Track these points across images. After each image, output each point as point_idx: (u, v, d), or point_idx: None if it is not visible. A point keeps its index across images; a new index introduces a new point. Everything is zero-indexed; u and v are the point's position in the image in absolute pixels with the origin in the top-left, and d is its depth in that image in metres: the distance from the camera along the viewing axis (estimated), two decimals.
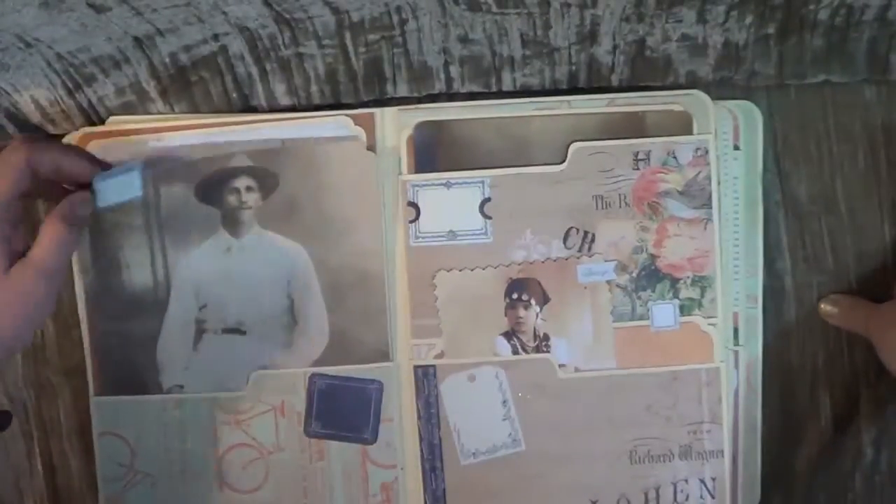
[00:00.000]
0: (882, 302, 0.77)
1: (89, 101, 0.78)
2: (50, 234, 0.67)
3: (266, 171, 0.79)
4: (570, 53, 0.78)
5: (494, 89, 0.80)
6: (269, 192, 0.79)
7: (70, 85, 0.76)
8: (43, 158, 0.68)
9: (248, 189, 0.79)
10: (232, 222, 0.79)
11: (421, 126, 0.78)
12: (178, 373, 0.80)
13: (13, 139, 0.71)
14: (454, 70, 0.79)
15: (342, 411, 0.79)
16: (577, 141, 0.78)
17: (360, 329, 0.79)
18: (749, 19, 0.75)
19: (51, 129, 0.79)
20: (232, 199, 0.79)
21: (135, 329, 0.79)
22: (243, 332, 0.79)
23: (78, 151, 0.73)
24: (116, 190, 0.71)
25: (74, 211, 0.69)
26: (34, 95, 0.76)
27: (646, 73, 0.79)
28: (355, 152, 0.78)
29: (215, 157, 0.79)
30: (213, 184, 0.79)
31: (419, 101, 0.80)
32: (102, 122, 0.79)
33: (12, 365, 0.82)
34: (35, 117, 0.78)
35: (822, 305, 0.81)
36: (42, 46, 0.71)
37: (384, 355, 0.79)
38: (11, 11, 0.66)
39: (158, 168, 0.78)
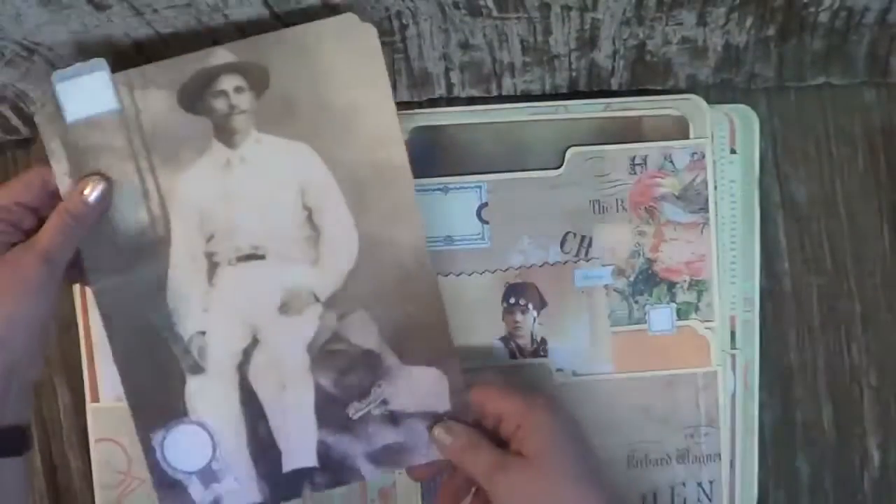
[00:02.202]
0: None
1: None
2: (54, 222, 0.66)
3: (253, 64, 0.69)
4: (570, 60, 0.78)
5: (495, 94, 0.80)
6: (261, 89, 0.69)
7: None
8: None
9: (238, 90, 0.69)
10: (225, 131, 0.70)
11: (418, 131, 0.78)
12: (198, 317, 0.71)
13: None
14: (455, 76, 0.79)
15: None
16: (574, 146, 0.78)
17: (392, 229, 0.71)
18: (749, 21, 0.74)
19: None
20: (220, 104, 0.69)
21: (137, 277, 0.70)
22: (262, 257, 0.71)
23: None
24: (86, 96, 0.66)
25: (83, 202, 0.67)
26: (39, 95, 0.77)
27: (646, 77, 0.79)
28: (351, 27, 0.69)
29: (194, 55, 0.69)
30: (196, 88, 0.69)
31: (419, 105, 0.80)
32: None
33: None
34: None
35: (436, 431, 0.71)
36: (43, 49, 0.72)
37: (421, 252, 0.71)
38: (12, 13, 0.67)
39: (129, 71, 0.68)
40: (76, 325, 0.79)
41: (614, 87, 0.80)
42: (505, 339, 0.79)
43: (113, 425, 0.79)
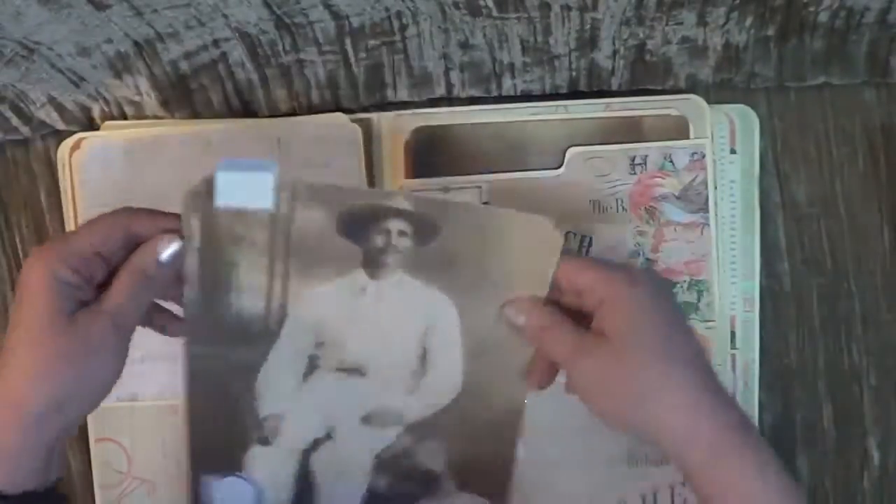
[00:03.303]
0: None
1: (91, 105, 0.78)
2: (125, 282, 0.61)
3: (427, 218, 0.66)
4: (570, 60, 0.78)
5: (495, 94, 0.80)
6: (426, 241, 0.66)
7: (73, 87, 0.77)
8: (142, 224, 0.63)
9: (401, 233, 0.67)
10: (374, 264, 0.67)
11: (418, 131, 0.78)
12: (281, 401, 0.69)
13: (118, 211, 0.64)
14: (455, 76, 0.79)
15: None
16: (574, 146, 0.78)
17: (497, 382, 0.69)
18: (749, 21, 0.75)
19: (60, 126, 0.80)
20: (379, 240, 0.67)
21: (234, 356, 0.68)
22: (363, 374, 0.69)
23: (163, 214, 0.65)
24: (243, 190, 0.63)
25: (155, 261, 0.62)
26: (38, 95, 0.77)
27: (646, 77, 0.79)
28: (543, 231, 0.65)
29: (371, 191, 0.71)
30: (360, 218, 0.66)
31: (419, 105, 0.80)
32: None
33: None
34: (41, 114, 0.79)
35: (506, 310, 0.66)
36: (43, 49, 0.72)
37: (517, 414, 0.69)
38: (12, 11, 0.67)
39: (298, 181, 0.65)
40: None
41: (614, 87, 0.80)
42: None
43: (113, 425, 0.79)
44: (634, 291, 0.61)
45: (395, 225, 0.66)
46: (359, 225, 0.66)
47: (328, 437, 0.70)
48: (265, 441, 0.69)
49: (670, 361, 0.60)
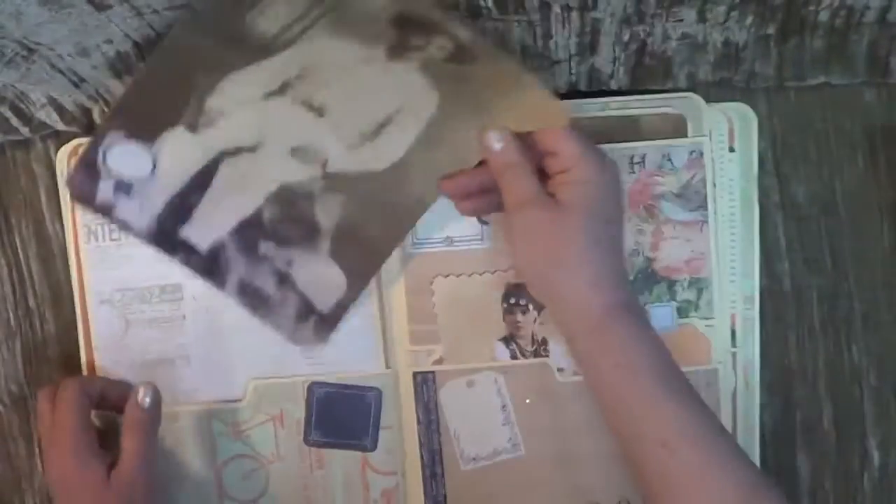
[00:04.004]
0: None
1: (91, 106, 0.79)
2: (128, 447, 0.72)
3: (468, 50, 0.74)
4: (570, 65, 0.78)
5: None
6: (456, 60, 0.74)
7: (73, 87, 0.77)
8: (93, 388, 0.75)
9: (440, 48, 0.74)
10: (396, 55, 0.74)
11: None
12: (232, 102, 0.75)
13: (63, 381, 0.75)
14: None
15: (342, 420, 0.79)
16: None
17: (421, 176, 0.75)
18: (749, 19, 0.75)
19: (60, 127, 0.80)
20: (419, 41, 0.74)
21: (224, 55, 0.75)
22: (321, 115, 0.75)
23: (118, 382, 0.78)
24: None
25: (139, 415, 0.74)
26: (39, 96, 0.77)
27: (645, 80, 0.79)
28: (553, 109, 0.72)
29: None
30: (411, 23, 0.75)
31: None
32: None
33: (12, 363, 0.82)
34: (41, 115, 0.79)
35: (490, 133, 0.70)
36: (43, 49, 0.72)
37: (422, 207, 0.76)
38: (12, 11, 0.67)
39: None
40: (76, 330, 0.79)
41: (614, 87, 0.80)
42: (506, 340, 0.79)
43: (115, 435, 0.78)
44: (602, 178, 0.69)
45: (439, 41, 0.73)
46: (409, 25, 0.74)
47: (251, 150, 0.74)
48: (193, 128, 0.74)
49: (598, 244, 0.68)
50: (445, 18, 0.73)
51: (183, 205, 0.74)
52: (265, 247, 0.74)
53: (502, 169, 0.70)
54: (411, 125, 0.73)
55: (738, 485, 0.65)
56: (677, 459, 0.66)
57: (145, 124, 0.74)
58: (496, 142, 0.70)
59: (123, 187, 0.74)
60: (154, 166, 0.74)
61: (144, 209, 0.74)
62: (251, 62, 0.74)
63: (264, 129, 0.74)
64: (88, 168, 0.74)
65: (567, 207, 0.68)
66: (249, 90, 0.74)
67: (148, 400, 0.73)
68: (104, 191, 0.74)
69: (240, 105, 0.74)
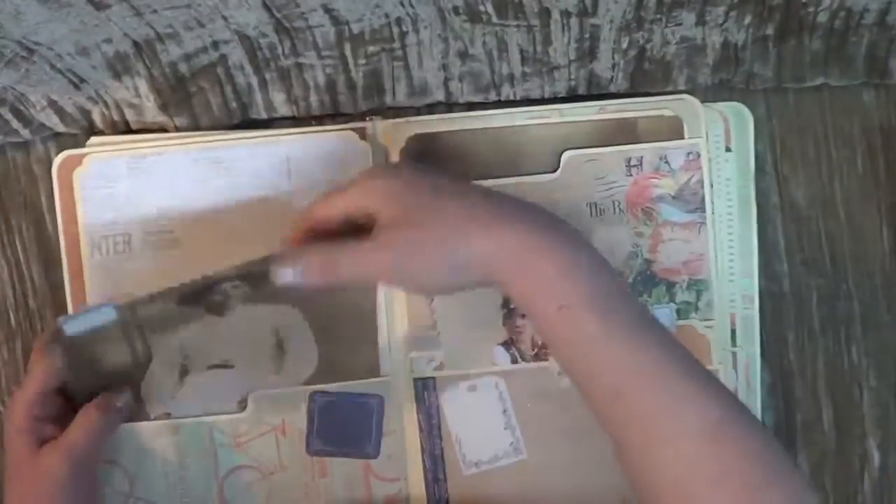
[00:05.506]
0: None
1: (91, 108, 0.79)
2: (81, 420, 0.72)
3: (253, 273, 0.72)
4: (569, 71, 0.78)
5: (494, 99, 0.81)
6: (260, 286, 0.73)
7: (72, 88, 0.77)
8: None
9: (235, 287, 0.76)
10: (216, 309, 0.77)
11: (414, 139, 0.79)
12: (164, 400, 0.78)
13: (47, 334, 0.77)
14: (454, 86, 0.79)
15: (343, 427, 0.79)
16: (569, 149, 0.78)
17: (350, 354, 0.79)
18: (748, 20, 0.75)
19: (60, 128, 0.80)
20: (217, 298, 0.77)
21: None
22: (232, 367, 0.79)
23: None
24: (87, 320, 0.72)
25: (111, 402, 0.74)
26: (38, 98, 0.77)
27: (644, 85, 0.80)
28: None
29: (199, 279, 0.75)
30: (194, 294, 0.75)
31: (418, 111, 0.81)
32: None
33: (12, 364, 0.82)
34: (41, 117, 0.79)
35: (277, 271, 0.68)
36: (43, 49, 0.72)
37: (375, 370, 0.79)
38: (11, 11, 0.67)
39: (135, 312, 0.74)
40: None
41: (612, 90, 0.80)
42: (506, 345, 0.79)
43: (112, 447, 0.78)
44: (391, 189, 0.66)
45: (227, 285, 0.75)
46: (194, 297, 0.75)
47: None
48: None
49: (447, 213, 0.65)
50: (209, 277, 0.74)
51: None
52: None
53: (320, 277, 0.67)
54: (297, 327, 0.79)
55: (700, 427, 0.61)
56: (625, 405, 0.63)
57: None
58: (287, 272, 0.68)
59: None
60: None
61: None
62: (143, 376, 0.78)
63: (205, 400, 0.79)
64: None
65: (389, 229, 0.65)
66: (165, 385, 0.79)
67: (122, 400, 0.75)
68: None
69: (170, 395, 0.79)
